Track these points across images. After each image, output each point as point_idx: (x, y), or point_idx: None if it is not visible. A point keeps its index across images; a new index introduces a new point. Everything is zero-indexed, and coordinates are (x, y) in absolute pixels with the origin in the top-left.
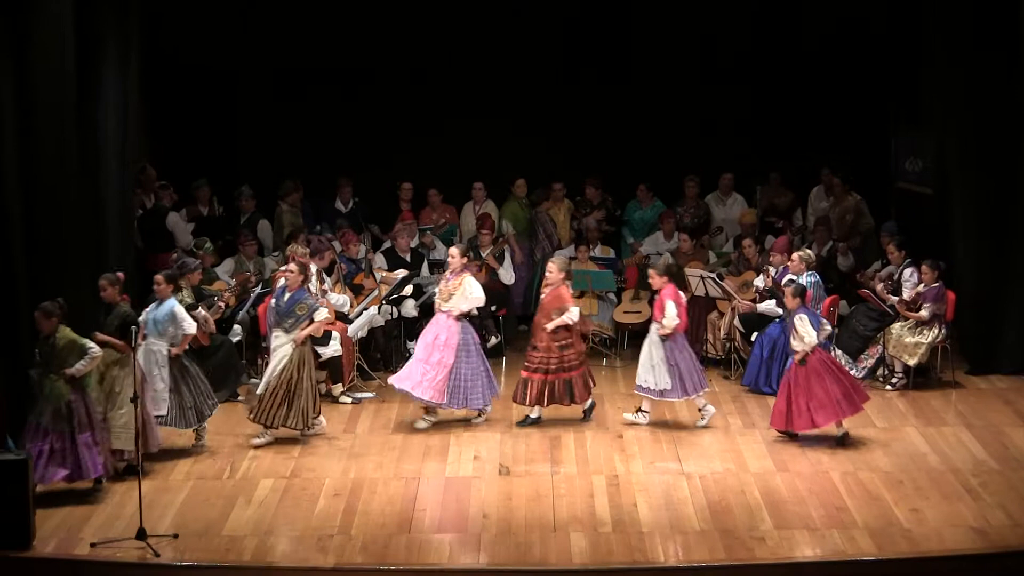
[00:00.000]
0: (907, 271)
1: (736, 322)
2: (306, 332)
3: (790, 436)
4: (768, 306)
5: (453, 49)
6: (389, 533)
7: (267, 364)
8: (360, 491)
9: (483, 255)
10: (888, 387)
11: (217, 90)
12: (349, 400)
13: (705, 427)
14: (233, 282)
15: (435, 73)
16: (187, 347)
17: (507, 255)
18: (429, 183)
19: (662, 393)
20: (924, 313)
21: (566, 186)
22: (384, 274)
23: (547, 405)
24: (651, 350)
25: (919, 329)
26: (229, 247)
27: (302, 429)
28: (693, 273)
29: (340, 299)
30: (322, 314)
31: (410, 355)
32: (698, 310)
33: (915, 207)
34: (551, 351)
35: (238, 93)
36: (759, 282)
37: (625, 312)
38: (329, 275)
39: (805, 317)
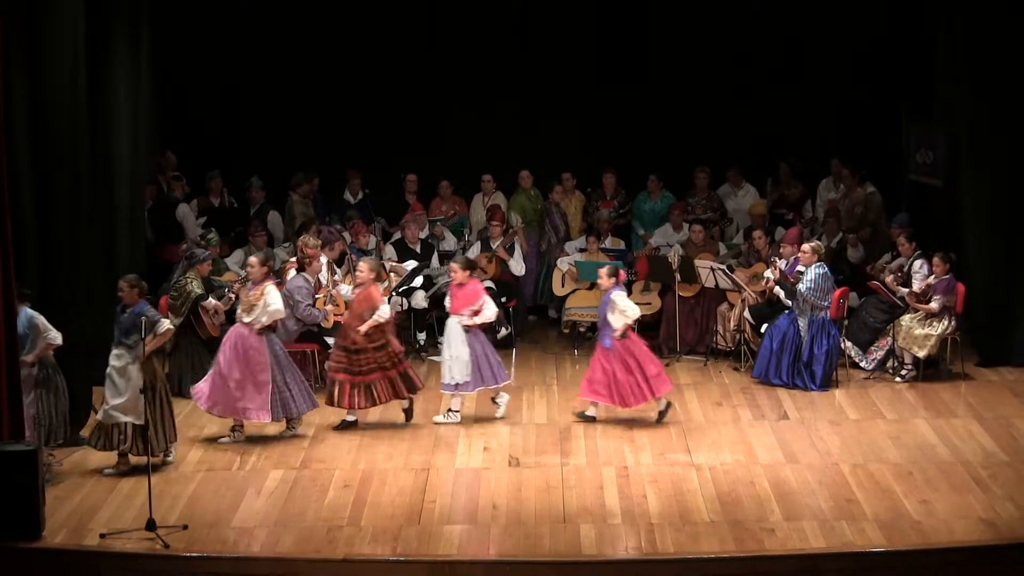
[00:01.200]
0: (917, 263)
1: (746, 314)
2: (151, 347)
3: (586, 419)
4: (781, 291)
5: (461, 41)
6: (399, 524)
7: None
8: (370, 482)
9: (493, 247)
10: (898, 379)
11: (229, 82)
12: None
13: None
14: (244, 273)
15: (445, 65)
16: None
17: (517, 247)
18: (439, 175)
19: (458, 386)
20: (934, 305)
21: (575, 177)
22: (394, 265)
23: (370, 406)
24: (454, 344)
25: (929, 321)
26: (240, 238)
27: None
28: (703, 265)
29: (350, 290)
30: (164, 326)
31: (420, 346)
32: (708, 302)
33: (926, 199)
34: (366, 351)
35: (249, 85)
36: (769, 273)
37: (636, 303)
38: (340, 266)
39: (623, 293)
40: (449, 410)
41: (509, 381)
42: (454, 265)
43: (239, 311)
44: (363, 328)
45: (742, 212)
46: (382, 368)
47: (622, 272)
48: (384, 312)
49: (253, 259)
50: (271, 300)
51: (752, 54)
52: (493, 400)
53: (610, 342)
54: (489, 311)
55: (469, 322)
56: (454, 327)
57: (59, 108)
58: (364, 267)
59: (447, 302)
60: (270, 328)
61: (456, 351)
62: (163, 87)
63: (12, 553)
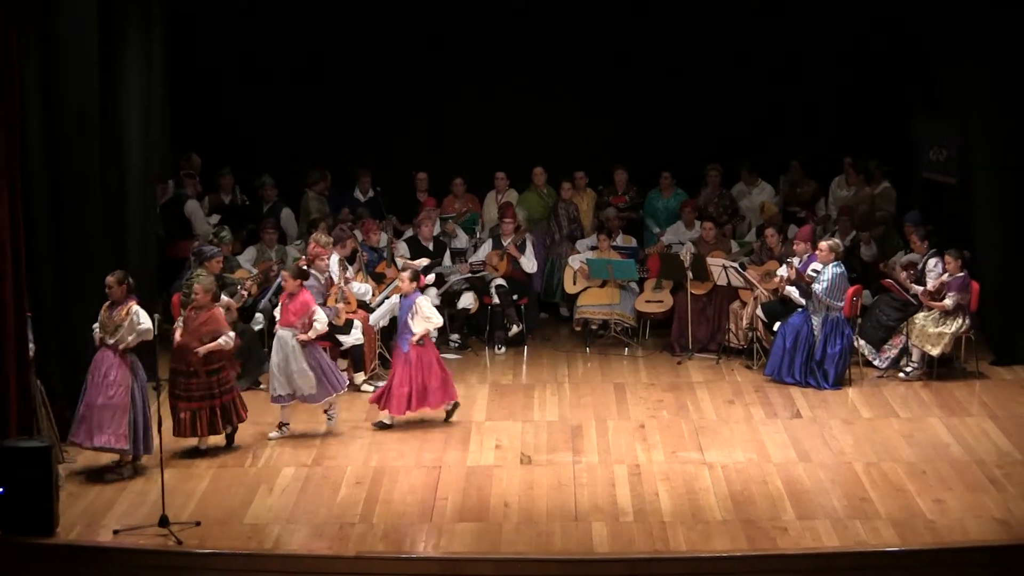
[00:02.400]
0: (931, 261)
1: (759, 312)
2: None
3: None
4: (793, 291)
5: (472, 38)
6: (410, 522)
7: None
8: (382, 479)
9: (505, 244)
10: (901, 374)
11: (238, 79)
12: (371, 389)
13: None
14: (256, 271)
15: (457, 62)
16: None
17: (529, 244)
18: (453, 172)
19: (304, 398)
20: (948, 303)
21: (588, 175)
22: (406, 262)
23: (207, 434)
24: (288, 357)
25: (943, 319)
26: (252, 235)
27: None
28: (715, 263)
29: (362, 288)
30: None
31: None
32: (720, 299)
33: (939, 197)
34: (199, 375)
35: (259, 82)
36: (783, 272)
37: (647, 301)
38: (351, 264)
39: (427, 299)
40: (281, 424)
41: (345, 389)
42: (285, 274)
43: (97, 331)
44: (202, 351)
45: (754, 210)
46: (210, 396)
47: (423, 277)
48: (230, 340)
49: (110, 279)
50: (140, 319)
51: (760, 51)
52: (326, 412)
53: (408, 347)
54: (320, 323)
55: (304, 338)
56: (288, 339)
57: (72, 105)
58: (199, 288)
59: (277, 313)
60: (135, 350)
61: (298, 365)
62: (174, 84)
63: (26, 548)
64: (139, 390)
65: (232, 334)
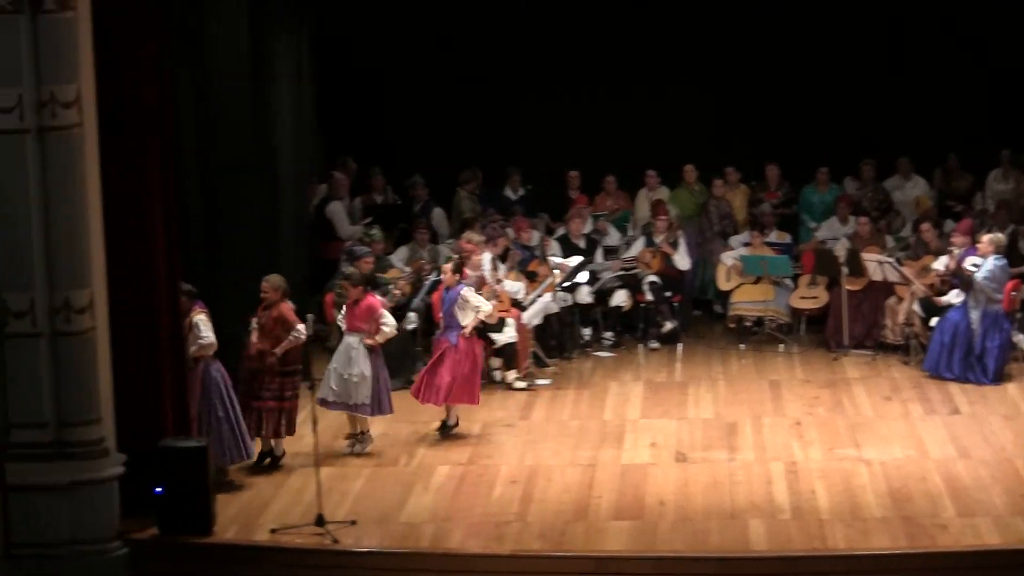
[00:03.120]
0: None
1: (915, 307)
2: (282, 348)
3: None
4: (949, 297)
5: (625, 38)
6: (566, 520)
7: None
8: (536, 478)
9: (657, 241)
10: None
11: (389, 79)
12: (524, 387)
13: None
14: (408, 270)
15: (610, 63)
16: None
17: (681, 241)
18: (604, 170)
19: (353, 407)
20: None
21: (739, 171)
22: (559, 261)
23: (271, 435)
24: (351, 361)
25: None
26: (404, 235)
27: None
28: (871, 258)
29: (514, 286)
30: (299, 332)
31: (584, 342)
32: (876, 295)
33: None
34: (273, 374)
35: (410, 82)
36: (939, 265)
37: (802, 298)
38: (503, 262)
39: (472, 288)
40: (360, 433)
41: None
42: (345, 283)
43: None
44: (279, 350)
45: (909, 204)
46: (279, 399)
47: (465, 270)
48: (300, 334)
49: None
50: (200, 331)
51: (915, 43)
52: (353, 436)
53: (456, 339)
54: (388, 326)
55: (371, 341)
56: (354, 344)
57: (224, 111)
58: (267, 286)
59: (341, 319)
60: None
61: (359, 370)
62: (326, 86)
63: (184, 548)
64: (218, 399)
65: (302, 327)
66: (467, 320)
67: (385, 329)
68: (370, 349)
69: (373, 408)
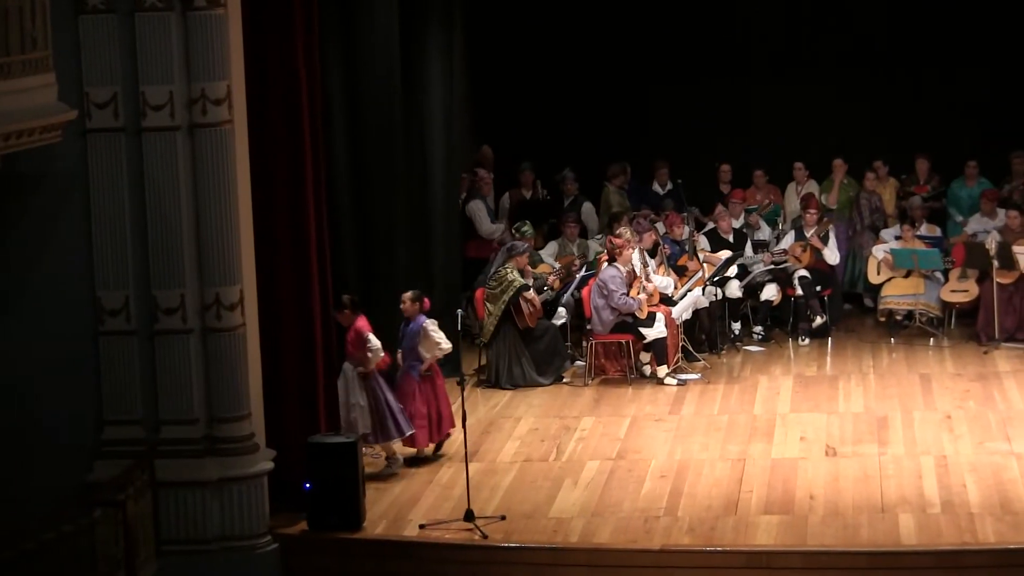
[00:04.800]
0: None
1: None
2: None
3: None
4: None
5: (773, 31)
6: (715, 515)
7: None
8: (686, 472)
9: (807, 235)
10: None
11: (540, 74)
12: (674, 382)
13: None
14: (558, 265)
15: (757, 55)
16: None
17: (831, 235)
18: (753, 164)
19: (364, 436)
20: None
21: (887, 164)
22: (708, 255)
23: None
24: (347, 389)
25: None
26: (553, 230)
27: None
28: (1022, 251)
29: (664, 281)
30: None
31: (735, 336)
32: None
33: None
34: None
35: (559, 77)
36: None
37: (952, 291)
38: (653, 257)
39: (434, 322)
40: (387, 458)
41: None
42: (338, 311)
43: None
44: (366, 370)
45: None
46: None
47: (427, 300)
48: (374, 348)
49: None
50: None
51: None
52: (385, 458)
53: (418, 375)
54: (373, 351)
55: (363, 370)
56: (347, 372)
57: (376, 107)
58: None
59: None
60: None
61: (354, 399)
62: (476, 81)
63: (334, 543)
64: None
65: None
66: (428, 355)
67: (370, 355)
68: (364, 377)
69: (376, 436)
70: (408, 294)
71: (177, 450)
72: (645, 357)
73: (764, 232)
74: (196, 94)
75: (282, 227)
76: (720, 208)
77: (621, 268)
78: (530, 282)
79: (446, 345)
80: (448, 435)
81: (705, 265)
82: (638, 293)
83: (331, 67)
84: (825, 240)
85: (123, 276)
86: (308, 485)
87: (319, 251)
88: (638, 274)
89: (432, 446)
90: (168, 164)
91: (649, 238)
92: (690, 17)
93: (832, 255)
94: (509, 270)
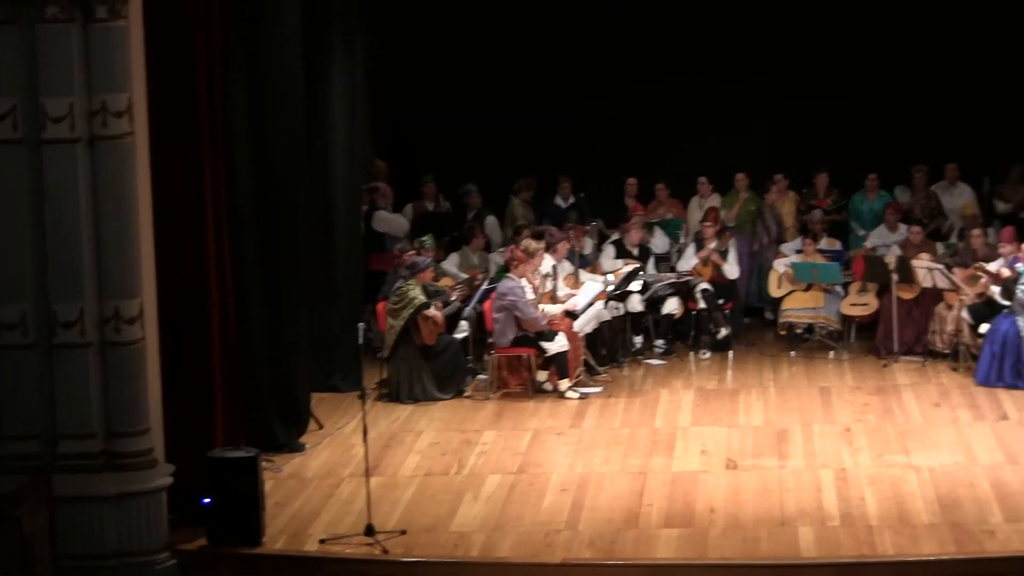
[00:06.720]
0: None
1: (964, 314)
2: None
3: None
4: (996, 290)
5: (676, 46)
6: (616, 528)
7: (491, 360)
8: (587, 486)
9: (707, 249)
10: None
11: (443, 87)
12: (576, 395)
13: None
14: (465, 276)
15: (656, 72)
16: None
17: (731, 249)
18: (656, 178)
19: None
20: None
21: (788, 178)
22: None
23: None
24: None
25: None
26: (455, 242)
27: None
28: (921, 264)
29: (568, 294)
30: None
31: (636, 350)
32: (926, 302)
33: None
34: None
35: (464, 90)
36: (993, 266)
37: (852, 305)
38: (558, 271)
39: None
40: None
41: None
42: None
43: None
44: None
45: (955, 211)
46: None
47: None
48: None
49: None
50: None
51: (969, 50)
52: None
53: None
54: None
55: None
56: None
57: (278, 120)
58: None
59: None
60: None
61: None
62: (380, 93)
63: (234, 559)
64: None
65: None
66: None
67: None
68: None
69: None
70: None
71: (75, 465)
72: (543, 375)
73: (661, 245)
74: (97, 106)
75: (183, 240)
76: (634, 219)
77: (524, 279)
78: (430, 303)
79: None
80: None
81: (609, 277)
82: (548, 300)
83: (234, 79)
84: (724, 255)
85: (20, 290)
86: (207, 500)
87: (219, 264)
88: (548, 287)
89: None
90: (68, 177)
91: (564, 247)
92: (593, 32)
93: (731, 269)
94: (412, 286)
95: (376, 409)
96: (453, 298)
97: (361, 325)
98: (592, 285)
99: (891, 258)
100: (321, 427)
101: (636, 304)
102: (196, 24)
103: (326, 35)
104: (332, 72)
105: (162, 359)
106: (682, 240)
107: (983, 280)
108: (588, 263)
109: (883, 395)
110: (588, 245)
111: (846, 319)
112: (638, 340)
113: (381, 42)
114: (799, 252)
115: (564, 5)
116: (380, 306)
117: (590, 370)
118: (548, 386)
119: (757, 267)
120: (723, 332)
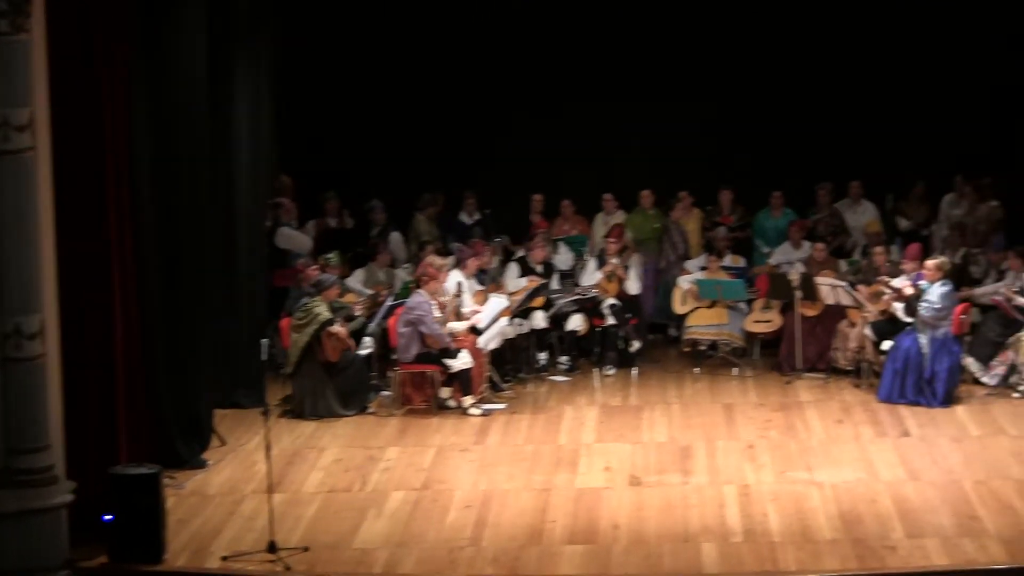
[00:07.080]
0: None
1: (867, 331)
2: None
3: None
4: (899, 307)
5: (581, 65)
6: (520, 545)
7: (394, 376)
8: (491, 503)
9: (609, 263)
10: (1015, 394)
11: (347, 101)
12: (479, 412)
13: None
14: (370, 292)
15: (563, 84)
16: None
17: (633, 265)
18: (562, 194)
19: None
20: None
21: (693, 195)
22: (515, 286)
23: None
24: None
25: None
26: (359, 258)
27: None
28: (824, 282)
29: (473, 310)
30: None
31: (540, 366)
32: (829, 319)
33: None
34: None
35: (368, 105)
36: (898, 282)
37: (756, 321)
38: (465, 288)
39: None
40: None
41: None
42: None
43: None
44: None
45: (859, 229)
46: None
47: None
48: None
49: None
50: None
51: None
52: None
53: None
54: None
55: None
56: None
57: (182, 135)
58: None
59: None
60: None
61: None
62: (283, 110)
63: None
64: None
65: None
66: None
67: None
68: None
69: None
70: None
71: None
72: (446, 392)
73: (566, 261)
74: None
75: (85, 256)
76: (538, 237)
77: (428, 295)
78: (334, 319)
79: None
80: None
81: (512, 295)
82: (453, 318)
83: (137, 94)
84: (626, 270)
85: None
86: (109, 517)
87: (122, 280)
88: (455, 304)
89: None
90: None
91: (474, 264)
92: (502, 48)
93: (633, 285)
94: (317, 303)
95: (279, 425)
96: (357, 313)
97: (265, 341)
98: (496, 301)
99: (795, 275)
100: (224, 443)
101: (540, 321)
102: (99, 38)
103: (231, 48)
104: (236, 85)
105: (63, 375)
106: (586, 256)
107: (886, 297)
108: (492, 280)
109: (786, 412)
110: (493, 261)
111: (750, 336)
112: (542, 356)
113: (286, 56)
114: (703, 269)
115: (470, 21)
116: (284, 322)
117: (494, 387)
118: (452, 403)
119: (663, 284)
120: (636, 345)
